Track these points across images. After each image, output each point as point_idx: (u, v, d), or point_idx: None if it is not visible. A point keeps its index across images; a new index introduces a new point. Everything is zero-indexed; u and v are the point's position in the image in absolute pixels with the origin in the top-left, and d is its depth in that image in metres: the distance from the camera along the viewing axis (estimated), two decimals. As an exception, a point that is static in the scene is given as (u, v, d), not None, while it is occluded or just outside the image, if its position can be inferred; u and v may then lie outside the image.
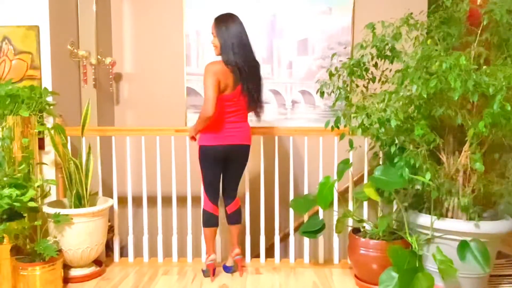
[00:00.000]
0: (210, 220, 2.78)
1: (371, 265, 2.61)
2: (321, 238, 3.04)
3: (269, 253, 3.18)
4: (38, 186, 2.66)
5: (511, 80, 2.23)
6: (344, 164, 2.86)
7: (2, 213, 2.42)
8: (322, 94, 2.76)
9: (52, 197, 2.94)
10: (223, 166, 2.76)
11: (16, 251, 2.51)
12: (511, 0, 2.46)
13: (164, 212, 3.16)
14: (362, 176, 3.10)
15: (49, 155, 2.98)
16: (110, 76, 3.61)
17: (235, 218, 2.87)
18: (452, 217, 2.55)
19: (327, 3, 3.65)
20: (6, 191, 2.40)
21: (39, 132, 2.84)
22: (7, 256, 2.44)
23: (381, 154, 2.89)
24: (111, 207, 2.96)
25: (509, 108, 2.20)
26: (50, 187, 2.88)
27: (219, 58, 2.64)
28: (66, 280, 2.72)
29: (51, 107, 2.89)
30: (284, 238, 3.43)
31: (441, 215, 2.55)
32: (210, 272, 2.79)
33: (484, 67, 2.42)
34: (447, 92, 2.35)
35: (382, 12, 2.91)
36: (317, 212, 3.02)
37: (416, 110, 2.53)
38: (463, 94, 2.27)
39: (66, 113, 3.08)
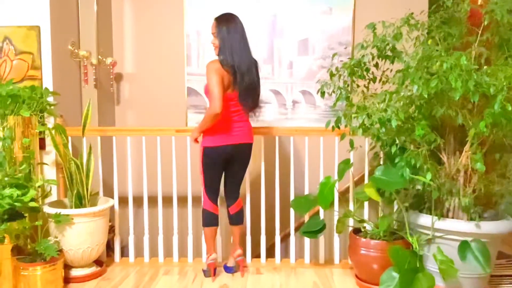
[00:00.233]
0: (210, 220, 2.78)
1: (372, 265, 2.61)
2: (321, 238, 3.04)
3: (270, 253, 3.18)
4: (39, 186, 2.66)
5: (512, 80, 2.23)
6: (345, 164, 2.86)
7: (3, 213, 2.42)
8: (322, 94, 2.76)
9: (53, 197, 2.95)
10: (226, 166, 2.76)
11: (17, 251, 2.51)
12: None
13: (165, 212, 3.16)
14: (363, 176, 3.10)
15: (50, 155, 2.98)
16: (111, 76, 3.61)
17: (237, 218, 2.87)
18: (453, 217, 2.55)
19: (328, 3, 3.65)
20: (7, 191, 2.41)
21: (40, 132, 2.84)
22: (8, 256, 2.44)
23: (381, 154, 2.89)
24: (112, 207, 2.96)
25: (510, 108, 2.20)
26: (51, 187, 2.89)
27: (217, 57, 2.65)
28: (67, 280, 2.72)
29: (52, 107, 2.90)
30: (285, 238, 3.43)
31: (442, 215, 2.55)
32: (211, 271, 2.80)
33: (485, 67, 2.42)
34: (448, 92, 2.34)
35: (383, 12, 2.91)
36: (317, 212, 3.02)
37: (417, 110, 2.53)
38: (464, 94, 2.27)
39: (67, 113, 3.09)
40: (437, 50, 2.43)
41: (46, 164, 2.95)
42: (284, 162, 3.15)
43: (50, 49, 2.95)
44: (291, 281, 2.80)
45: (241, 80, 2.61)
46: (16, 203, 2.41)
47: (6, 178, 2.50)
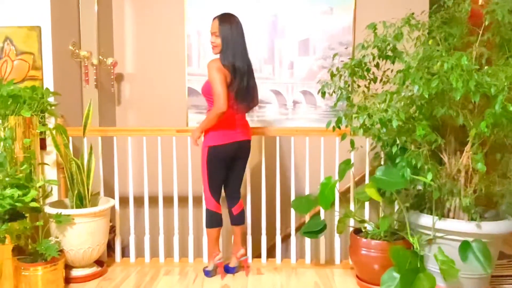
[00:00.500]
0: (216, 220, 2.79)
1: (373, 266, 2.61)
2: (322, 239, 3.04)
3: (271, 253, 3.18)
4: (39, 187, 2.67)
5: (513, 80, 2.23)
6: (346, 165, 2.86)
7: (4, 213, 2.43)
8: (323, 94, 2.76)
9: (54, 197, 2.95)
10: (229, 164, 2.77)
11: (18, 251, 2.51)
12: (512, 0, 2.46)
13: (166, 212, 3.16)
14: (364, 176, 3.10)
15: (51, 156, 2.98)
16: (112, 77, 3.62)
17: (240, 219, 2.88)
18: (453, 218, 2.55)
19: (328, 3, 3.65)
20: (8, 191, 2.41)
21: (41, 133, 2.85)
22: (9, 256, 2.44)
23: (382, 155, 2.89)
24: (113, 207, 2.96)
25: (510, 108, 2.19)
26: (51, 187, 2.89)
27: (218, 56, 2.66)
28: (68, 280, 2.72)
29: (53, 107, 2.90)
30: (286, 238, 3.43)
31: (443, 215, 2.55)
32: (220, 270, 2.82)
33: (486, 67, 2.42)
34: (449, 92, 2.34)
35: (384, 12, 2.91)
36: (318, 213, 3.02)
37: (418, 110, 2.53)
38: (464, 94, 2.27)
39: (67, 114, 3.09)
40: (438, 50, 2.43)
41: (47, 164, 2.95)
42: (285, 162, 3.15)
43: (51, 50, 2.95)
44: (292, 281, 2.80)
45: (241, 80, 2.63)
46: (17, 203, 2.41)
47: (7, 179, 2.50)
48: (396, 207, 2.84)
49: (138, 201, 3.21)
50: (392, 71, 2.73)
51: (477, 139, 2.44)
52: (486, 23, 2.47)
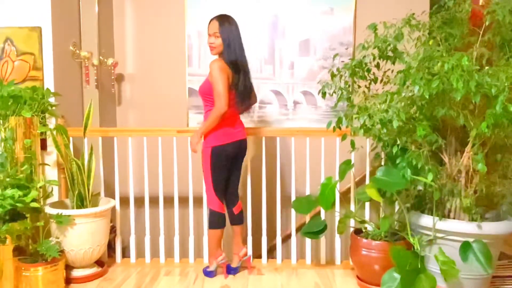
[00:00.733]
0: (220, 221, 2.78)
1: (373, 266, 2.61)
2: (323, 239, 3.04)
3: (271, 253, 3.18)
4: (40, 187, 2.67)
5: (514, 80, 2.23)
6: (346, 165, 2.86)
7: (5, 213, 2.43)
8: (324, 94, 2.76)
9: (54, 197, 2.95)
10: (231, 163, 2.78)
11: (18, 251, 2.51)
12: (513, 1, 2.45)
13: (166, 213, 3.16)
14: (364, 177, 3.10)
15: (51, 156, 2.98)
16: (112, 77, 3.62)
17: (240, 218, 2.89)
18: (454, 218, 2.55)
19: (329, 4, 3.65)
20: (9, 191, 2.41)
21: (41, 133, 2.85)
22: (9, 256, 2.44)
23: (383, 155, 2.89)
24: (113, 208, 2.96)
25: (511, 108, 2.20)
26: (52, 187, 2.89)
27: (216, 57, 2.67)
28: (68, 280, 2.72)
29: (53, 108, 2.90)
30: (286, 239, 3.43)
31: (443, 216, 2.55)
32: (223, 271, 2.83)
33: (487, 67, 2.42)
34: (449, 92, 2.34)
35: (384, 13, 2.91)
36: (319, 213, 3.02)
37: (418, 110, 2.53)
38: (465, 94, 2.26)
39: (68, 114, 3.09)
40: (438, 51, 2.43)
41: (48, 164, 2.95)
42: (285, 163, 3.15)
43: (51, 50, 2.95)
44: (292, 282, 2.80)
45: (243, 79, 2.65)
46: (17, 204, 2.41)
47: (7, 179, 2.50)
48: (397, 208, 2.84)
49: (139, 201, 3.21)
50: (392, 71, 2.73)
51: (477, 140, 2.44)
52: (487, 23, 2.47)
